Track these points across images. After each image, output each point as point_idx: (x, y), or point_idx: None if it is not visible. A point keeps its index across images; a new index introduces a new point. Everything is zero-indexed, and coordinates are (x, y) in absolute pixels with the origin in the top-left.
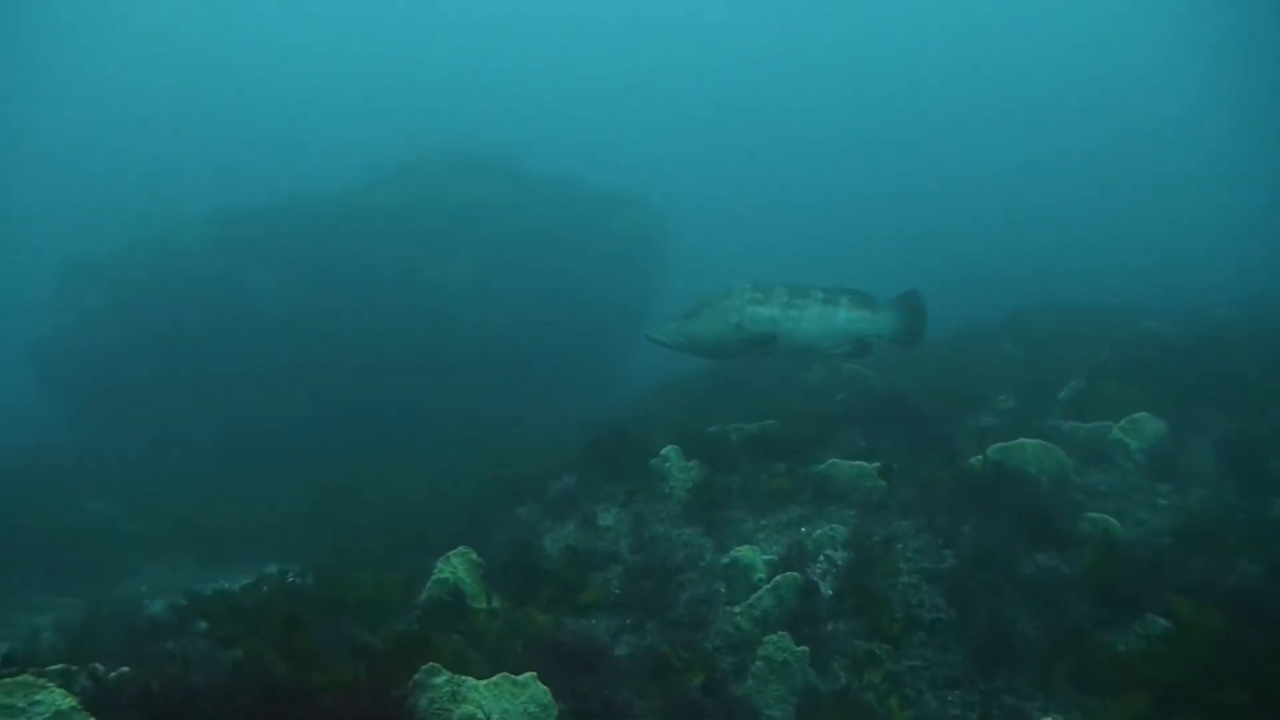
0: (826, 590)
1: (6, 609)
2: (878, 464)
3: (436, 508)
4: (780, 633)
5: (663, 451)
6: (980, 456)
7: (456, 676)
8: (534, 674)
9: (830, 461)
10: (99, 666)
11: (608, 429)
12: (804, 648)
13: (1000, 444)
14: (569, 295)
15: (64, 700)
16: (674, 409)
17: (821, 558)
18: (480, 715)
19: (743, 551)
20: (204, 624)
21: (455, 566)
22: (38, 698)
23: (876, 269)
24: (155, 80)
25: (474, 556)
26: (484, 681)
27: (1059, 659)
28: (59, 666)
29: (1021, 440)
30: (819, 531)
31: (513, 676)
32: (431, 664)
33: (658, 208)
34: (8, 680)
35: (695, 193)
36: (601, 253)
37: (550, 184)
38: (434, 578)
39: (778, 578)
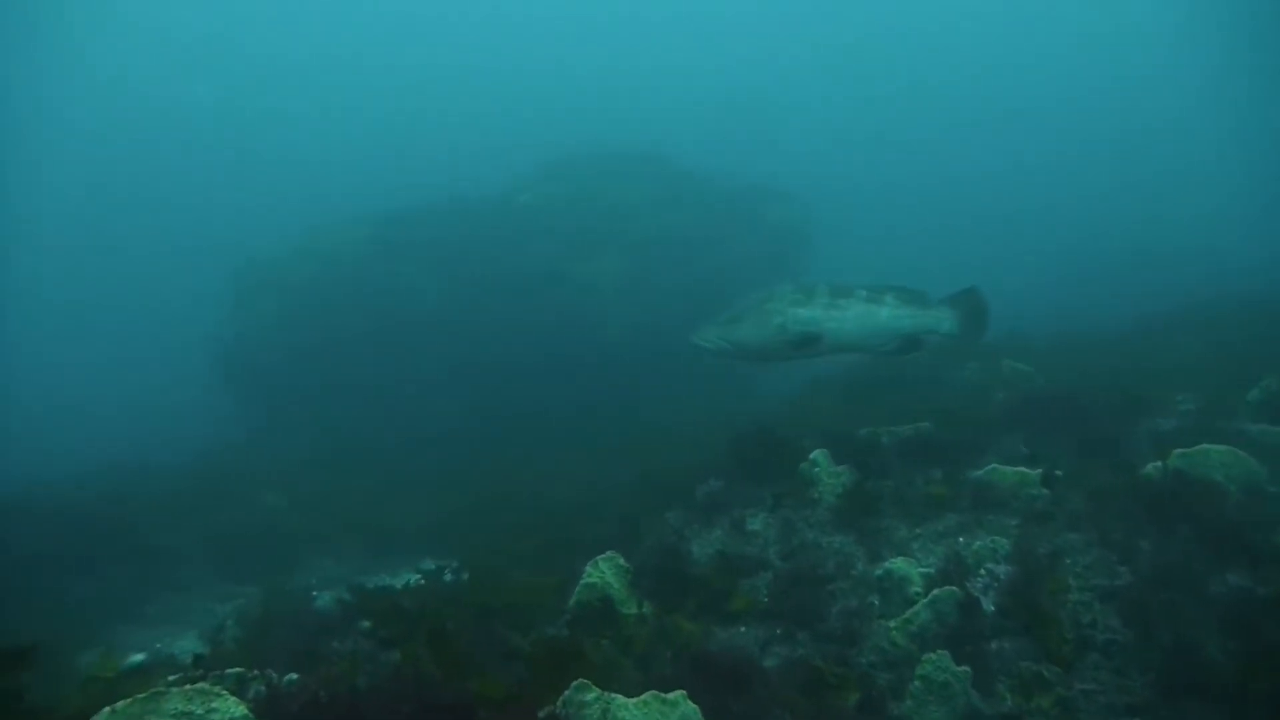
0: (988, 606)
1: (196, 596)
2: (1041, 470)
3: (586, 508)
4: (940, 651)
5: (811, 455)
6: (1158, 463)
7: (606, 695)
8: (683, 692)
9: (990, 467)
10: (273, 674)
11: (755, 431)
12: (965, 668)
13: (1182, 450)
14: (717, 291)
15: (237, 708)
16: (822, 409)
17: (982, 571)
18: None
19: (897, 563)
20: (367, 623)
21: (604, 571)
22: (214, 705)
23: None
24: (319, 87)
25: (621, 561)
26: (633, 700)
27: (1254, 687)
28: (236, 671)
29: (1205, 446)
30: (979, 543)
31: (662, 695)
32: (581, 681)
33: (805, 199)
34: (189, 688)
35: (839, 183)
36: (750, 247)
37: (697, 178)
38: (583, 582)
39: (935, 591)
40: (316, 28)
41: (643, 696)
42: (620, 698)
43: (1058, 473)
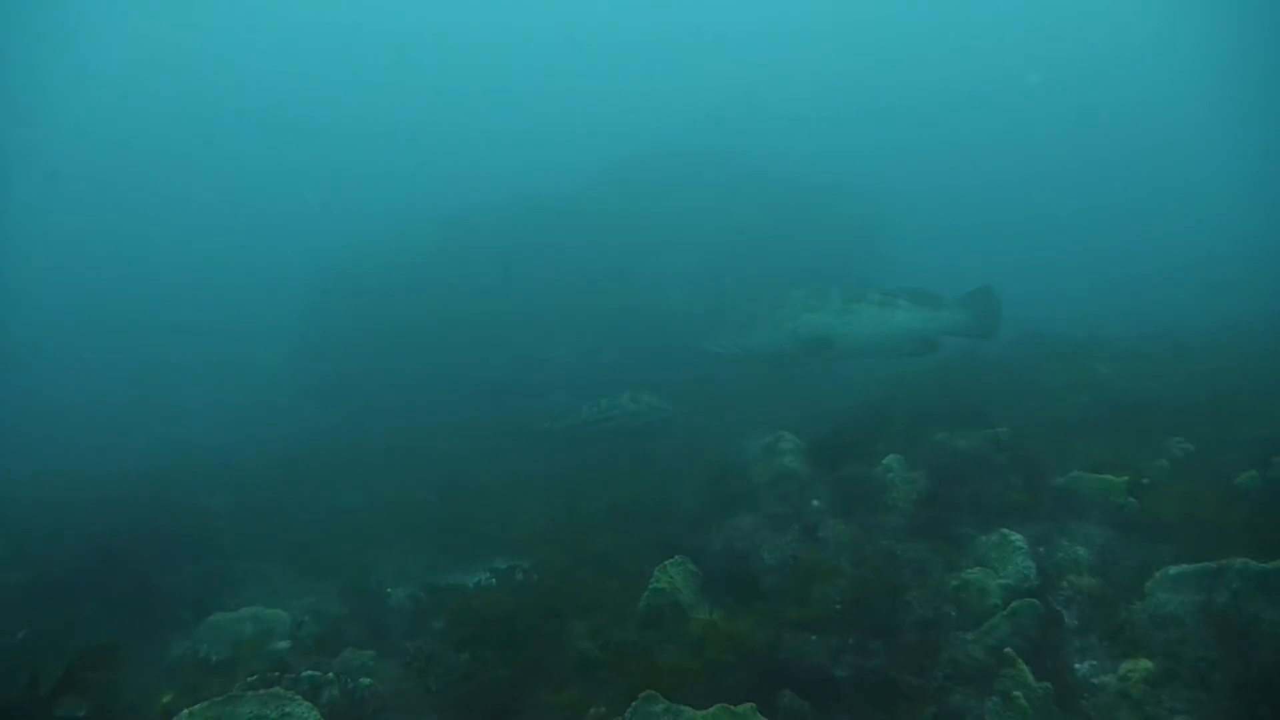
0: (1071, 620)
1: (275, 590)
2: (1127, 478)
3: (657, 509)
4: (1019, 666)
5: (885, 461)
6: (1252, 472)
7: (674, 706)
8: (753, 705)
9: (1071, 474)
10: (347, 678)
11: (828, 434)
12: (1046, 684)
13: None
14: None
15: (310, 713)
16: (897, 412)
17: (1064, 583)
18: None
19: (974, 574)
20: (439, 624)
21: (672, 576)
22: (288, 709)
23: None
24: (392, 89)
25: (690, 566)
26: (701, 713)
27: None
28: (310, 674)
29: None
30: (1061, 553)
31: (731, 708)
32: (650, 692)
33: (879, 198)
34: (263, 692)
35: (915, 181)
36: (823, 245)
37: (770, 177)
38: (651, 586)
39: (1014, 603)
40: (381, 24)
41: (711, 709)
42: (689, 710)
43: (1145, 480)
